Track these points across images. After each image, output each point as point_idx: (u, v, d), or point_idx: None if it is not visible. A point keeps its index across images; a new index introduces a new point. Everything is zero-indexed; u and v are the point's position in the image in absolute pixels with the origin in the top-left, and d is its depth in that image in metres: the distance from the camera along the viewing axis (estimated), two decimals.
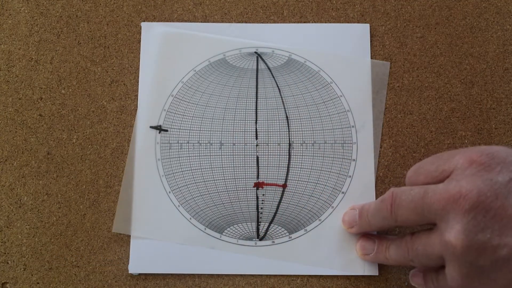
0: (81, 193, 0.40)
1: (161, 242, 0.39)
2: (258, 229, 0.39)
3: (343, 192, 0.40)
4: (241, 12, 0.44)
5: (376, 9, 0.43)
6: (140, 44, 0.43)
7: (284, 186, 0.40)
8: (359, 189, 0.40)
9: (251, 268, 0.39)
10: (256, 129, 0.41)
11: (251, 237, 0.39)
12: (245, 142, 0.41)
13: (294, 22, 0.44)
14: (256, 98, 0.42)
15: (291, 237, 0.39)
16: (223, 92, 0.42)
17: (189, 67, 0.43)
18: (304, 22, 0.43)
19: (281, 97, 0.42)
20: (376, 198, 0.40)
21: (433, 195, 0.30)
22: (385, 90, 0.42)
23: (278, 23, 0.43)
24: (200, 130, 0.41)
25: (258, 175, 0.40)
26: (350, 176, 0.40)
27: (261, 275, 0.39)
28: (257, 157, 0.41)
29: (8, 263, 0.39)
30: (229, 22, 0.44)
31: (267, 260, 0.39)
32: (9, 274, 0.39)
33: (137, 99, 0.42)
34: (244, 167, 0.40)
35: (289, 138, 0.41)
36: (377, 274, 0.38)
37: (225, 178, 0.40)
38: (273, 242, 0.39)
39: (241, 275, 0.39)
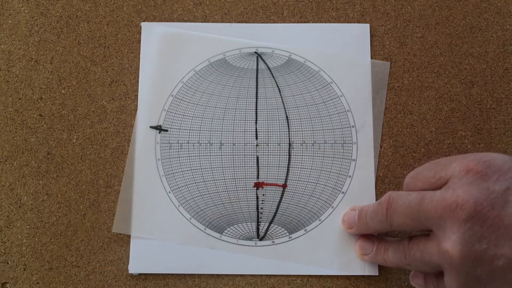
0: (81, 193, 0.40)
1: (161, 242, 0.39)
2: (258, 229, 0.39)
3: (343, 192, 0.40)
4: (241, 12, 0.44)
5: (376, 9, 0.43)
6: (140, 44, 0.43)
7: (284, 186, 0.40)
8: (359, 189, 0.40)
9: (251, 268, 0.39)
10: (256, 129, 0.41)
11: (251, 237, 0.39)
12: (245, 142, 0.41)
13: (294, 22, 0.44)
14: (256, 98, 0.42)
15: (291, 237, 0.39)
16: (223, 92, 0.42)
17: (189, 67, 0.43)
18: (304, 22, 0.43)
19: (281, 97, 0.42)
20: (376, 198, 0.40)
21: (430, 202, 0.30)
22: (385, 90, 0.42)
23: (278, 23, 0.43)
24: (200, 130, 0.41)
25: (258, 175, 0.40)
26: (350, 176, 0.40)
27: (261, 275, 0.39)
28: (257, 157, 0.41)
29: (8, 263, 0.39)
30: (229, 22, 0.44)
31: (267, 260, 0.39)
32: (9, 274, 0.39)
33: (137, 99, 0.42)
34: (244, 167, 0.40)
35: (289, 138, 0.41)
36: (377, 274, 0.38)
37: (225, 178, 0.40)
38: (273, 242, 0.39)
39: (241, 275, 0.39)
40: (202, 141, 0.41)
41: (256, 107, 0.41)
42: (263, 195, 0.40)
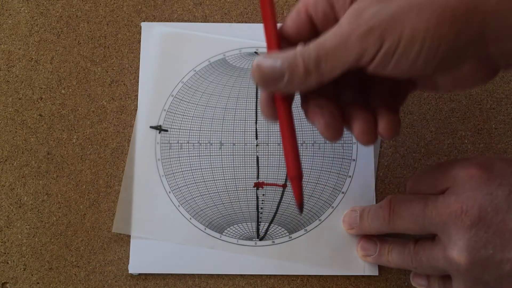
0: (81, 193, 0.40)
1: (161, 242, 0.39)
2: (258, 229, 0.39)
3: (343, 192, 0.40)
4: (241, 12, 0.44)
5: None
6: (140, 44, 0.43)
7: (284, 186, 0.40)
8: (359, 189, 0.40)
9: (251, 268, 0.39)
10: (256, 129, 0.41)
11: (251, 237, 0.39)
12: (245, 142, 0.41)
13: None
14: (256, 98, 0.42)
15: (291, 237, 0.39)
16: (223, 92, 0.42)
17: (189, 67, 0.43)
18: None
19: None
20: (376, 198, 0.40)
21: (433, 208, 0.30)
22: None
23: (278, 23, 0.43)
24: (200, 130, 0.41)
25: (258, 175, 0.40)
26: (350, 176, 0.40)
27: (261, 275, 0.39)
28: (257, 157, 0.41)
29: (8, 263, 0.39)
30: (229, 22, 0.44)
31: (267, 260, 0.39)
32: (9, 274, 0.39)
33: (137, 99, 0.42)
34: (244, 167, 0.40)
35: None
36: (377, 274, 0.38)
37: (225, 178, 0.40)
38: (273, 242, 0.39)
39: (241, 275, 0.39)
40: (202, 141, 0.41)
41: (256, 107, 0.41)
42: (263, 195, 0.40)
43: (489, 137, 0.41)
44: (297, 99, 0.32)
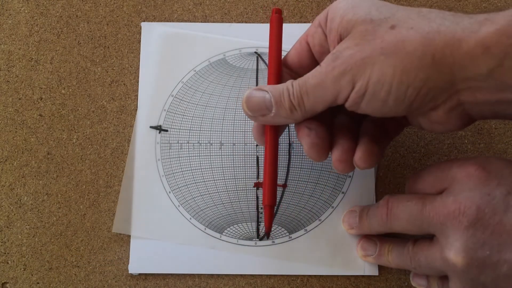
0: (81, 193, 0.40)
1: (161, 242, 0.39)
2: (258, 229, 0.39)
3: (343, 192, 0.40)
4: (241, 12, 0.44)
5: None
6: (140, 44, 0.43)
7: (284, 186, 0.40)
8: (359, 189, 0.40)
9: (251, 268, 0.39)
10: None
11: (251, 237, 0.39)
12: (245, 142, 0.41)
13: (294, 22, 0.44)
14: None
15: (291, 237, 0.39)
16: (223, 92, 0.42)
17: (189, 67, 0.43)
18: (304, 22, 0.43)
19: None
20: (376, 198, 0.40)
21: (431, 209, 0.30)
22: None
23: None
24: (200, 130, 0.41)
25: (258, 175, 0.40)
26: (350, 176, 0.40)
27: (261, 275, 0.39)
28: (257, 157, 0.41)
29: (8, 263, 0.39)
30: (229, 22, 0.44)
31: (267, 260, 0.39)
32: (9, 274, 0.39)
33: (137, 99, 0.42)
34: (244, 167, 0.40)
35: (289, 138, 0.41)
36: (377, 274, 0.38)
37: (225, 178, 0.40)
38: (273, 242, 0.39)
39: (241, 275, 0.39)
40: (202, 141, 0.41)
41: None
42: None
43: (489, 137, 0.41)
44: None
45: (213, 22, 0.44)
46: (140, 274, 0.39)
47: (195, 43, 0.43)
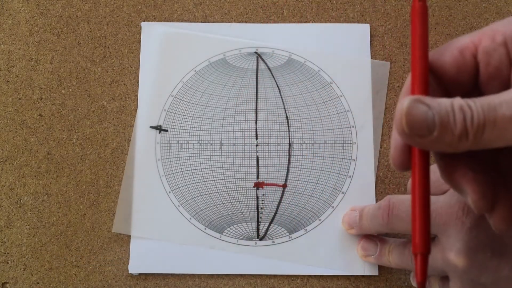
0: (81, 193, 0.40)
1: (161, 242, 0.39)
2: (258, 229, 0.39)
3: (343, 192, 0.40)
4: (241, 12, 0.44)
5: (376, 9, 0.43)
6: (140, 44, 0.43)
7: (284, 186, 0.40)
8: (359, 189, 0.40)
9: (251, 268, 0.39)
10: (256, 129, 0.41)
11: (251, 237, 0.39)
12: (245, 142, 0.41)
13: (294, 22, 0.44)
14: (256, 98, 0.42)
15: (291, 237, 0.39)
16: (223, 92, 0.42)
17: (189, 67, 0.43)
18: (304, 22, 0.43)
19: (281, 97, 0.42)
20: (376, 198, 0.40)
21: (434, 209, 0.30)
22: (385, 90, 0.42)
23: (278, 23, 0.43)
24: (200, 130, 0.41)
25: (258, 175, 0.40)
26: (350, 176, 0.40)
27: (261, 275, 0.39)
28: (257, 157, 0.41)
29: (8, 263, 0.39)
30: (229, 22, 0.44)
31: (267, 260, 0.39)
32: (9, 274, 0.39)
33: (137, 99, 0.42)
34: (244, 167, 0.40)
35: (289, 138, 0.41)
36: (377, 274, 0.38)
37: (225, 178, 0.40)
38: (273, 242, 0.39)
39: (241, 275, 0.39)
40: (202, 141, 0.41)
41: (256, 107, 0.41)
42: (263, 195, 0.40)
43: None
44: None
45: (213, 22, 0.44)
46: (140, 274, 0.39)
47: (195, 43, 0.43)
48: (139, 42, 0.43)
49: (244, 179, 0.40)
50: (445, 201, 0.30)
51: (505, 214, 0.24)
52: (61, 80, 0.42)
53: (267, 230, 0.39)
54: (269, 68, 0.42)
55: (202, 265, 0.39)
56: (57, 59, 0.43)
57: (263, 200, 0.40)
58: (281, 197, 0.40)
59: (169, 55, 0.43)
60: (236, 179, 0.40)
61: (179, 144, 0.41)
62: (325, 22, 0.43)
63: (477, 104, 0.22)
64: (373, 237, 0.37)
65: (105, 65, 0.43)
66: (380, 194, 0.40)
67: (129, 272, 0.38)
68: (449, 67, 0.25)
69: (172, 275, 0.39)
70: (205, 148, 0.41)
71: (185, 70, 0.42)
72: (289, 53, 0.43)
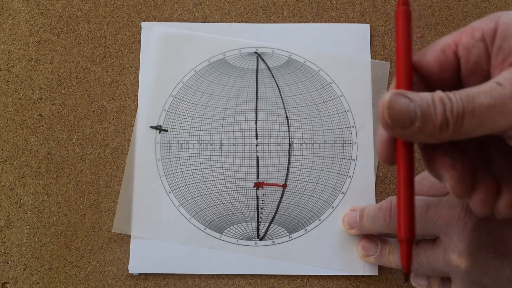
0: (81, 193, 0.40)
1: (161, 242, 0.39)
2: (258, 229, 0.39)
3: (343, 192, 0.40)
4: (241, 12, 0.44)
5: (376, 9, 0.43)
6: (140, 44, 0.43)
7: (284, 186, 0.40)
8: (359, 189, 0.40)
9: (251, 268, 0.39)
10: (256, 129, 0.41)
11: (251, 237, 0.39)
12: (245, 142, 0.41)
13: (294, 22, 0.44)
14: (256, 98, 0.42)
15: (291, 237, 0.39)
16: (223, 92, 0.42)
17: (189, 67, 0.43)
18: (304, 22, 0.43)
19: (281, 97, 0.42)
20: (376, 198, 0.40)
21: (436, 210, 0.30)
22: (385, 90, 0.42)
23: (278, 23, 0.43)
24: (200, 130, 0.41)
25: (258, 175, 0.40)
26: (350, 176, 0.40)
27: (261, 275, 0.39)
28: (257, 157, 0.41)
29: (8, 263, 0.39)
30: (229, 22, 0.44)
31: (267, 260, 0.39)
32: (9, 274, 0.39)
33: (137, 99, 0.42)
34: (244, 167, 0.40)
35: (289, 138, 0.41)
36: (377, 274, 0.38)
37: (225, 178, 0.40)
38: (273, 242, 0.39)
39: (241, 275, 0.39)
40: (202, 141, 0.41)
41: (256, 107, 0.41)
42: (263, 195, 0.40)
43: None
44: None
45: (213, 22, 0.44)
46: (140, 274, 0.39)
47: (195, 43, 0.43)
48: (139, 42, 0.43)
49: (244, 179, 0.40)
50: (447, 202, 0.30)
51: (484, 197, 0.25)
52: (61, 80, 0.42)
53: (267, 230, 0.39)
54: (269, 68, 0.42)
55: (202, 265, 0.39)
56: (57, 59, 0.43)
57: (263, 200, 0.40)
58: (281, 197, 0.40)
59: (169, 55, 0.43)
60: (236, 179, 0.40)
61: (179, 144, 0.41)
62: (325, 22, 0.43)
63: (457, 96, 0.23)
64: (374, 237, 0.37)
65: (105, 65, 0.43)
66: (380, 194, 0.40)
67: (129, 272, 0.38)
68: (432, 66, 0.26)
69: (172, 275, 0.39)
70: (205, 148, 0.41)
71: (185, 70, 0.42)
72: (289, 53, 0.43)
